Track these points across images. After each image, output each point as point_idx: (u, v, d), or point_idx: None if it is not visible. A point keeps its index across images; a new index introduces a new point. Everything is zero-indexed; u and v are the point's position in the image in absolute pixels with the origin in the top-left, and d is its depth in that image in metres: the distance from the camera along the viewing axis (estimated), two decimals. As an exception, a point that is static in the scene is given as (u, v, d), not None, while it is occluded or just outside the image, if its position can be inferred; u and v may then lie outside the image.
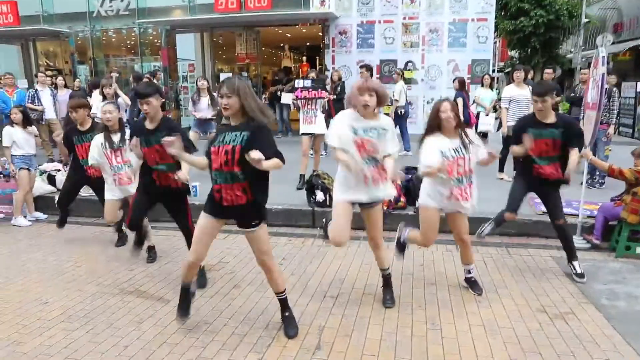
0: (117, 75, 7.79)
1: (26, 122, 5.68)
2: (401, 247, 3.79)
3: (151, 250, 4.48)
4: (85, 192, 5.24)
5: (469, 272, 3.73)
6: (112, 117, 4.21)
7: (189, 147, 3.34)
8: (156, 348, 2.95)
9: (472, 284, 3.73)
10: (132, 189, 4.18)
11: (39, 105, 8.51)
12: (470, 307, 3.45)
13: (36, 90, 8.67)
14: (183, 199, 3.86)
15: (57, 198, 5.15)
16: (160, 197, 3.79)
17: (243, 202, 2.79)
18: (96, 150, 4.31)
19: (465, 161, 3.30)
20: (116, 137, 4.29)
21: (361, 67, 8.46)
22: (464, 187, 3.34)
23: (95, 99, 7.56)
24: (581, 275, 3.88)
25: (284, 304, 3.11)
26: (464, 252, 3.68)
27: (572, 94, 8.11)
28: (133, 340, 3.04)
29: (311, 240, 4.98)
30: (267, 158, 2.57)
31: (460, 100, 7.89)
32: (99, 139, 4.32)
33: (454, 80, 9.18)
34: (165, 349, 2.95)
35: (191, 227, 3.73)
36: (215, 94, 7.35)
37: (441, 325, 3.20)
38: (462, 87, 8.68)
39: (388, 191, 3.26)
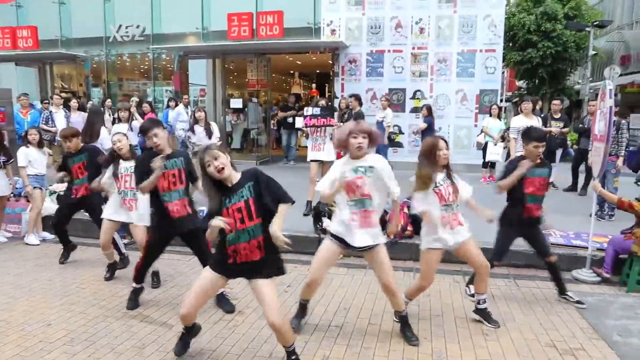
0: (137, 100, 7.95)
1: (40, 142, 5.84)
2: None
3: (156, 275, 4.47)
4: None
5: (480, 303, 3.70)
6: (122, 145, 4.26)
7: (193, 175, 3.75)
8: (158, 374, 2.92)
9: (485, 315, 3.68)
10: (134, 215, 4.31)
11: (52, 127, 8.69)
12: (478, 340, 3.38)
13: (50, 112, 8.86)
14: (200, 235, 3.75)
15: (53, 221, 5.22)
16: (176, 233, 3.82)
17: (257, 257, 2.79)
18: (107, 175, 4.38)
19: (453, 189, 3.36)
20: (129, 164, 4.27)
21: (350, 96, 8.63)
22: (454, 213, 3.38)
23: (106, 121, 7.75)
24: (580, 302, 3.97)
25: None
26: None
27: (580, 125, 8.14)
28: (135, 366, 3.01)
29: (317, 267, 4.93)
30: None
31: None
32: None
33: (422, 107, 9.95)
34: (167, 375, 2.91)
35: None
36: (211, 124, 7.56)
37: (448, 358, 3.14)
38: (430, 114, 9.51)
39: (378, 239, 3.21)
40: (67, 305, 3.98)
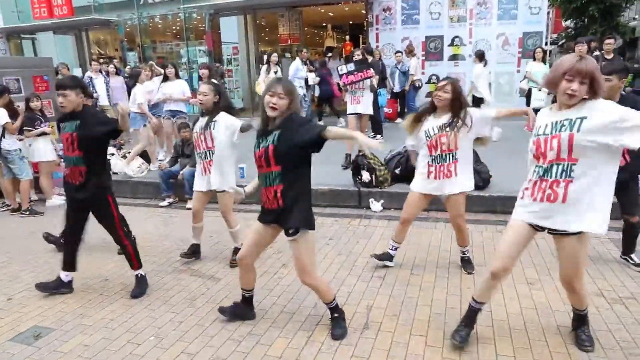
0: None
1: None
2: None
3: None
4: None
5: (464, 253, 3.74)
6: (205, 99, 3.76)
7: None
8: (209, 324, 3.08)
9: (464, 262, 3.74)
10: (215, 179, 3.83)
11: (94, 93, 8.94)
12: (522, 290, 3.35)
13: (90, 77, 9.10)
14: (104, 201, 3.43)
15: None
16: (80, 202, 3.43)
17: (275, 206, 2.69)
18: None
19: (448, 138, 3.28)
20: (203, 120, 3.83)
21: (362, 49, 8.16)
22: (446, 164, 3.35)
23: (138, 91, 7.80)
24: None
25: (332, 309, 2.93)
26: (458, 235, 3.66)
27: (635, 65, 7.59)
28: (187, 317, 3.19)
29: (357, 220, 4.98)
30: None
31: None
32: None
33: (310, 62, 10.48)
34: (218, 325, 3.06)
35: (124, 239, 3.51)
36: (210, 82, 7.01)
37: (491, 308, 3.13)
38: (322, 66, 10.02)
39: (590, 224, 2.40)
40: (121, 261, 4.18)
